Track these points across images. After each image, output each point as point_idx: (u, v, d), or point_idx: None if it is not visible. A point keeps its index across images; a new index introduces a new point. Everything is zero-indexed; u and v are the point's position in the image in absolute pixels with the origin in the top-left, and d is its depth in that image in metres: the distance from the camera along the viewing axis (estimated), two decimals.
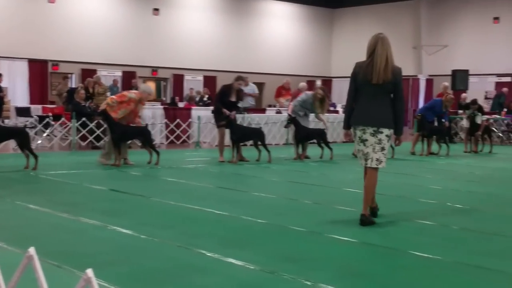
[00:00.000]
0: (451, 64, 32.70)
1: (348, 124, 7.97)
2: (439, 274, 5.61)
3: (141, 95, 13.99)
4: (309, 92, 16.51)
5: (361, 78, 7.68)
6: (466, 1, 34.72)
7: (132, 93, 14.11)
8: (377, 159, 7.70)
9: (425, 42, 35.81)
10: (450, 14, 35.32)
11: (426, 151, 18.22)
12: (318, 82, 18.91)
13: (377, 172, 7.81)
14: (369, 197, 7.74)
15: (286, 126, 16.09)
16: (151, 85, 34.80)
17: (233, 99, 14.92)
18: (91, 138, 17.98)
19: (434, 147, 18.57)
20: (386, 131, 7.70)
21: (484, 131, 20.23)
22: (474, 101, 20.32)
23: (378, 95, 7.67)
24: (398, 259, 6.18)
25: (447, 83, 25.27)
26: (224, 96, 14.90)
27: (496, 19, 33.54)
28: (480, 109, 20.24)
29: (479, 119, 19.86)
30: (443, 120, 18.87)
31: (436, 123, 18.88)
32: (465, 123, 20.46)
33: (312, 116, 16.86)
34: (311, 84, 33.26)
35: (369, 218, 7.68)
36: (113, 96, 14.27)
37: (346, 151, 17.72)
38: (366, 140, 7.69)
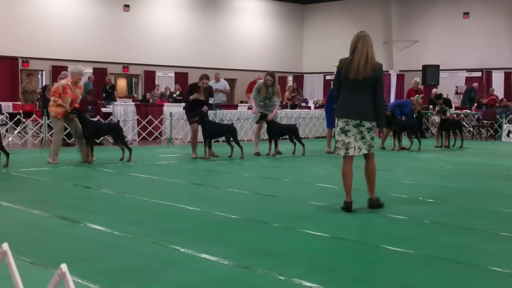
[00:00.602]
0: (422, 59, 32.87)
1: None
2: (411, 268, 5.66)
3: (71, 79, 13.75)
4: (261, 80, 16.55)
5: (343, 74, 8.20)
6: None
7: (61, 81, 14.00)
8: (358, 147, 8.22)
9: (396, 38, 36.00)
10: (420, 9, 35.54)
11: (397, 146, 18.33)
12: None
13: (373, 158, 8.40)
14: (370, 180, 8.36)
15: (258, 122, 16.06)
16: (122, 82, 34.70)
17: (202, 98, 14.90)
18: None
19: (405, 142, 18.71)
20: (368, 124, 8.21)
21: (455, 125, 20.39)
22: (439, 96, 20.38)
23: (359, 90, 8.17)
24: (370, 253, 6.23)
25: (418, 78, 25.44)
26: (190, 94, 14.98)
27: (466, 14, 33.79)
28: (448, 103, 20.36)
29: (448, 113, 20.01)
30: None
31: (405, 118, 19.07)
32: (436, 118, 20.60)
33: (284, 112, 16.86)
34: (282, 80, 33.28)
35: (376, 201, 8.41)
36: (52, 96, 14.22)
37: (318, 147, 17.79)
38: (349, 131, 8.22)
